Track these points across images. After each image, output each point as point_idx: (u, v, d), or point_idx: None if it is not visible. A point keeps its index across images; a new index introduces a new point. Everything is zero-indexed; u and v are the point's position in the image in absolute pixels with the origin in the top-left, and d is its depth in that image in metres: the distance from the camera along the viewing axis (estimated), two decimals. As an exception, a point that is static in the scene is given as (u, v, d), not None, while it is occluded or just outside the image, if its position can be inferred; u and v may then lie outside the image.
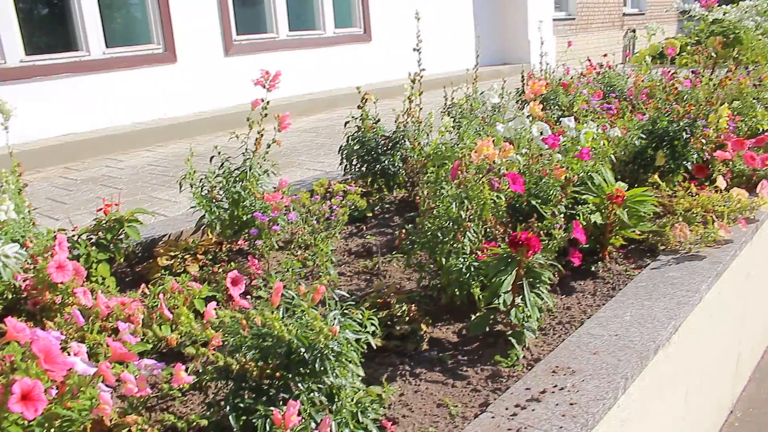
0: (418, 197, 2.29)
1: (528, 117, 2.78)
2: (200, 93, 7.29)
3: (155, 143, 6.30)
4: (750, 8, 8.12)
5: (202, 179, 2.60)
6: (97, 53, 6.42)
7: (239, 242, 2.71)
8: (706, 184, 3.04)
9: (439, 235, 1.87)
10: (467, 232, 1.84)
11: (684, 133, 2.79)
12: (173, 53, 7.04)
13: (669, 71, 4.24)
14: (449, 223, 1.86)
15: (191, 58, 7.19)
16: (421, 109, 3.32)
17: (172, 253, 2.55)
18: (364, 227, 2.95)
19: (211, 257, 2.62)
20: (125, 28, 6.98)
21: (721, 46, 7.94)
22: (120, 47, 6.67)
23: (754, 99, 3.76)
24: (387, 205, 3.18)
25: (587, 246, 2.22)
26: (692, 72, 4.23)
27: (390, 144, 3.13)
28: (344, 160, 3.23)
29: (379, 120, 3.22)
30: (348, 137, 3.23)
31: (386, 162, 3.09)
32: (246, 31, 7.84)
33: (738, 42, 7.57)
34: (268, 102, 2.60)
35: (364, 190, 3.19)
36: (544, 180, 2.27)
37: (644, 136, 2.92)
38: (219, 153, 2.61)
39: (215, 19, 7.41)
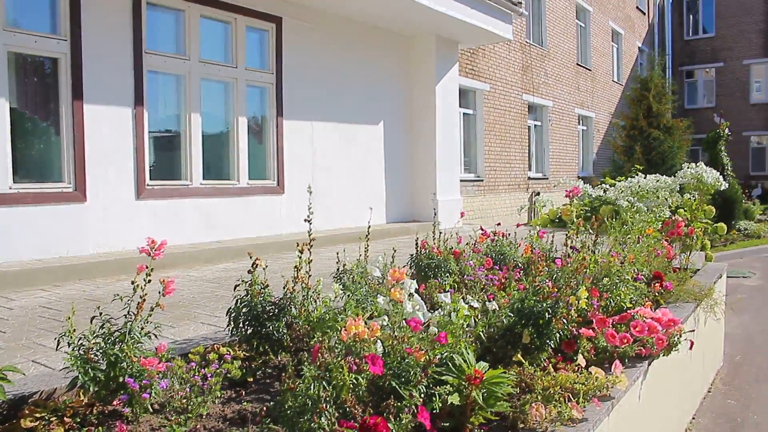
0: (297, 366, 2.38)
1: (409, 296, 2.95)
2: (108, 235, 7.31)
3: (53, 283, 6.19)
4: (625, 189, 8.98)
5: (80, 339, 2.62)
6: (3, 187, 6.43)
7: (114, 402, 2.70)
8: (574, 359, 3.25)
9: (298, 413, 1.96)
10: (323, 414, 1.93)
11: (546, 313, 3.03)
12: (83, 193, 7.09)
13: (540, 253, 4.58)
14: (308, 402, 1.95)
15: (101, 199, 7.26)
16: (309, 274, 3.47)
17: (38, 414, 2.51)
18: (243, 392, 2.98)
19: (79, 420, 2.58)
20: (37, 164, 7.01)
21: (610, 216, 8.65)
22: (29, 183, 6.70)
23: (617, 278, 4.11)
24: (270, 371, 3.24)
25: (448, 425, 2.33)
26: (572, 248, 4.59)
27: (276, 310, 3.24)
28: (231, 323, 3.31)
29: (267, 286, 3.34)
30: (237, 300, 3.32)
31: (271, 328, 3.18)
32: (160, 177, 8.01)
33: (618, 216, 8.23)
34: (151, 269, 2.67)
35: (247, 354, 3.25)
36: (406, 360, 2.42)
37: (512, 314, 3.15)
38: (121, 298, 2.64)
39: (130, 163, 7.57)
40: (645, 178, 9.30)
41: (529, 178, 18.36)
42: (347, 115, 10.45)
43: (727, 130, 17.90)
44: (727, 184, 9.71)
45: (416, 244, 4.94)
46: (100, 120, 7.29)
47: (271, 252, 7.96)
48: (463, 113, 15.20)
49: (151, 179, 7.84)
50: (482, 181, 15.75)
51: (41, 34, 6.87)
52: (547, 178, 19.48)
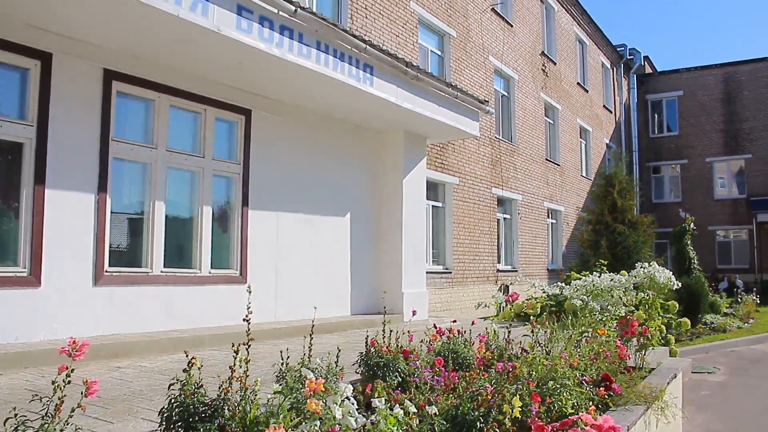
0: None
1: (342, 401, 2.93)
2: (61, 321, 7.16)
3: (-3, 371, 6.02)
4: (580, 287, 9.11)
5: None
6: (-47, 274, 6.35)
7: None
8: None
9: None
10: None
11: (479, 422, 3.01)
12: (38, 278, 6.99)
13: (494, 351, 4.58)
14: None
15: (57, 284, 7.15)
16: (247, 374, 3.42)
17: None
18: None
19: None
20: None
21: (573, 312, 8.70)
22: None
23: (560, 383, 4.10)
24: (200, 473, 3.15)
25: None
26: (522, 349, 4.60)
27: (210, 411, 3.18)
28: (164, 423, 3.24)
29: (201, 386, 3.29)
30: (170, 399, 3.26)
31: (203, 430, 3.11)
32: (120, 263, 7.94)
33: (575, 314, 8.28)
34: (72, 369, 2.64)
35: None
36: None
37: (445, 422, 3.12)
38: (40, 399, 2.58)
39: (89, 249, 7.50)
40: (600, 276, 9.44)
41: (499, 271, 18.48)
42: (314, 206, 10.54)
43: (692, 225, 18.29)
44: (679, 284, 9.87)
45: (366, 342, 4.91)
46: (62, 205, 7.27)
47: (231, 342, 7.82)
48: (432, 206, 15.42)
49: (110, 265, 7.76)
50: (450, 273, 15.81)
51: (8, 118, 6.94)
52: (517, 271, 19.61)
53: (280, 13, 7.75)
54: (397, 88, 9.92)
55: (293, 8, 7.77)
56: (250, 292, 3.44)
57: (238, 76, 8.69)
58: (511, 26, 20.27)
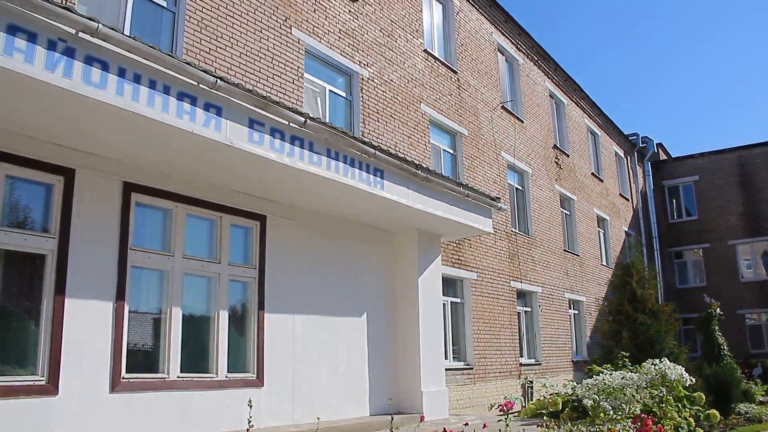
0: None
1: None
2: (79, 429, 7.20)
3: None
4: (592, 386, 8.98)
5: None
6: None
7: None
8: None
9: None
10: None
11: None
12: (56, 386, 7.08)
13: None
14: None
15: (74, 392, 7.23)
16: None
17: None
18: None
19: None
20: (11, 357, 7.06)
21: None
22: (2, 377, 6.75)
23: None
24: None
25: None
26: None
27: None
28: None
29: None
30: None
31: None
32: (136, 369, 8.02)
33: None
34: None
35: None
36: None
37: None
38: None
39: (107, 356, 7.62)
40: (611, 375, 9.29)
41: (521, 365, 18.20)
42: (330, 308, 10.64)
43: (718, 310, 17.98)
44: (693, 380, 9.68)
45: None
46: (81, 313, 7.45)
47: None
48: (451, 302, 15.42)
49: (127, 372, 7.85)
50: (472, 369, 15.63)
51: (32, 232, 7.24)
52: (540, 364, 19.31)
53: (291, 124, 8.12)
54: (407, 189, 10.17)
55: (303, 119, 8.13)
56: (251, 406, 3.51)
57: (252, 183, 8.99)
58: (522, 122, 20.77)
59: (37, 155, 7.20)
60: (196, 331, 8.91)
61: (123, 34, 6.47)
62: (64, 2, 8.01)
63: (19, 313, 7.30)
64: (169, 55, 6.91)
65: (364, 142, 9.21)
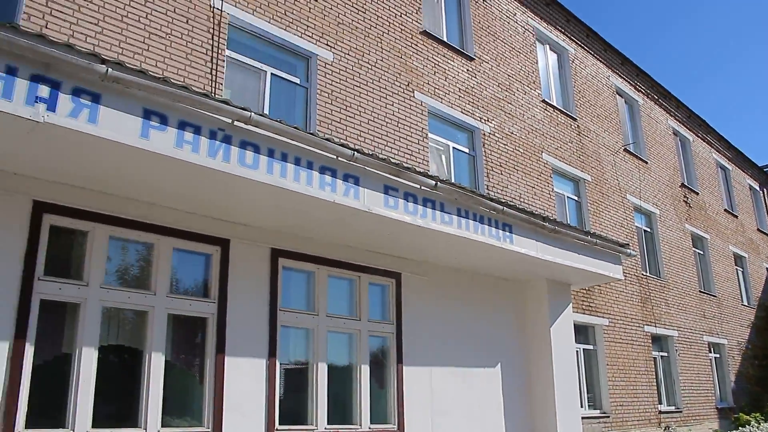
0: None
1: None
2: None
3: None
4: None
5: None
6: (152, 430, 7.26)
7: None
8: None
9: None
10: None
11: None
12: (219, 436, 7.80)
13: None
14: None
15: (235, 442, 7.91)
16: None
17: None
18: None
19: None
20: (182, 409, 7.85)
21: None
22: (175, 427, 7.54)
23: None
24: None
25: None
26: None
27: None
28: None
29: None
30: None
31: None
32: (287, 421, 8.63)
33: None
34: None
35: None
36: None
37: None
38: None
39: (262, 409, 8.29)
40: (759, 426, 8.93)
41: (660, 412, 17.57)
42: (464, 359, 10.93)
43: None
44: None
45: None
46: (238, 370, 8.17)
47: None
48: (583, 349, 15.27)
49: (280, 424, 8.47)
50: (609, 417, 15.31)
51: (195, 298, 8.08)
52: (681, 411, 18.54)
53: (422, 188, 8.63)
54: (536, 242, 10.40)
55: (433, 183, 8.63)
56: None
57: (388, 244, 9.54)
58: (646, 163, 20.43)
59: (197, 229, 8.07)
60: (340, 384, 9.46)
61: (270, 119, 7.22)
62: (212, 93, 9.02)
63: (186, 370, 8.12)
64: (311, 133, 7.62)
65: (491, 200, 9.57)
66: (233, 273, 8.38)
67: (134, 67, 6.39)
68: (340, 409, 9.35)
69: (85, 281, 7.22)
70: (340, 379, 9.49)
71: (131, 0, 8.65)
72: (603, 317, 15.98)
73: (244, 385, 8.19)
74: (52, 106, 5.72)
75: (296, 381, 9.11)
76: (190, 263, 8.26)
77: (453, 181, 12.45)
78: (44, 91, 5.70)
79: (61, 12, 7.96)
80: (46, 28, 7.74)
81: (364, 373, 9.57)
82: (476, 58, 14.48)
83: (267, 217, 8.32)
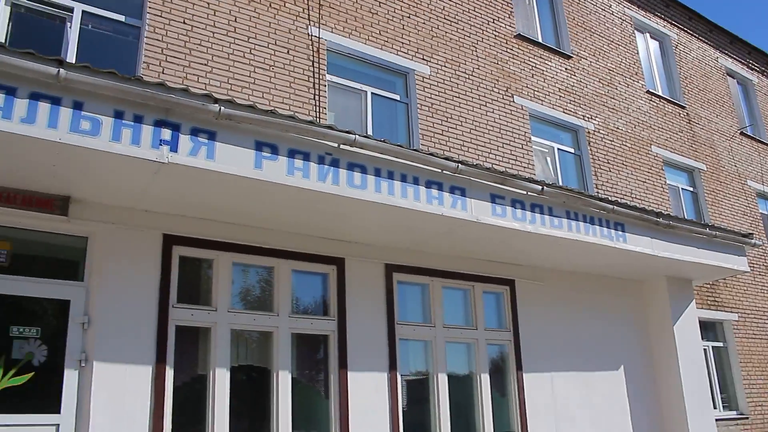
0: None
1: None
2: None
3: None
4: None
5: None
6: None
7: None
8: None
9: None
10: None
11: None
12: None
13: None
14: None
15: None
16: None
17: None
18: None
19: None
20: (309, 424, 8.17)
21: None
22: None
23: None
24: None
25: None
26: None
27: None
28: None
29: None
30: None
31: None
32: (412, 433, 8.83)
33: None
34: None
35: None
36: None
37: None
38: None
39: (386, 422, 8.51)
40: None
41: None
42: (586, 364, 10.76)
43: None
44: None
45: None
46: (361, 385, 8.42)
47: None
48: (712, 347, 14.64)
49: (404, 436, 8.66)
50: (748, 418, 14.55)
51: (315, 317, 8.42)
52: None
53: (529, 194, 8.61)
54: (651, 239, 10.11)
55: (540, 188, 8.59)
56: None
57: (498, 252, 9.56)
58: (767, 145, 19.36)
59: (313, 250, 8.41)
60: (461, 394, 9.53)
61: (375, 139, 7.43)
62: (317, 118, 9.38)
63: (312, 386, 8.45)
64: (415, 149, 7.78)
65: (600, 199, 9.41)
66: (350, 290, 8.66)
67: (244, 103, 6.75)
68: (463, 418, 9.43)
69: (213, 306, 7.69)
70: (461, 389, 9.57)
71: (236, 38, 9.14)
72: (731, 312, 15.24)
73: (368, 399, 8.42)
74: (174, 147, 6.15)
75: (418, 392, 9.27)
76: (308, 283, 8.61)
77: (560, 182, 12.35)
78: (166, 134, 6.15)
79: (174, 57, 8.54)
80: (163, 73, 8.34)
81: (485, 381, 9.61)
82: (574, 56, 14.26)
83: (378, 233, 8.55)
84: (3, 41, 7.63)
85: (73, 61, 7.69)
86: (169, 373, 7.19)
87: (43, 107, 5.63)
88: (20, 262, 6.91)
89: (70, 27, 8.28)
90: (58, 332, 6.87)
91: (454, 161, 7.97)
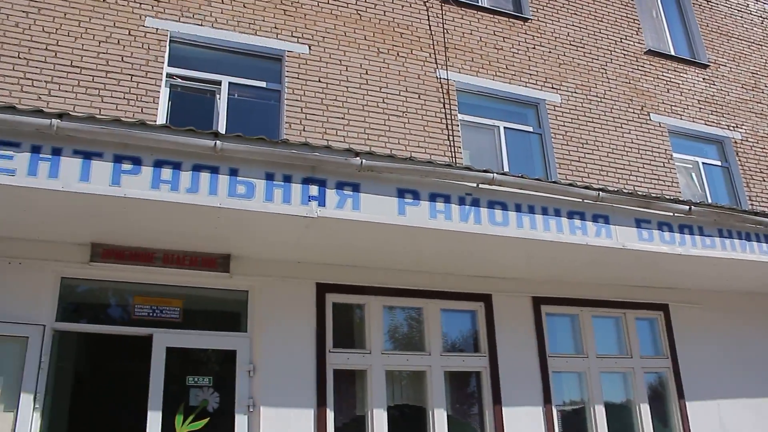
0: None
1: None
2: None
3: None
4: None
5: None
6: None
7: None
8: None
9: None
10: None
11: None
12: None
13: None
14: None
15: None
16: None
17: None
18: None
19: None
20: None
21: None
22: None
23: None
24: None
25: None
26: None
27: None
28: None
29: None
30: None
31: None
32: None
33: None
34: None
35: None
36: None
37: None
38: None
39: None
40: None
41: None
42: (756, 389, 10.04)
43: None
44: None
45: None
46: (516, 418, 8.38)
47: None
48: None
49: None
50: None
51: (467, 354, 8.54)
52: None
53: (676, 215, 8.33)
54: (818, 251, 9.45)
55: (687, 207, 8.29)
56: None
57: (649, 276, 9.26)
58: None
59: (460, 288, 8.56)
60: (620, 424, 9.23)
61: (512, 175, 7.51)
62: (453, 158, 9.59)
63: (467, 422, 8.53)
64: (553, 182, 7.80)
65: (755, 213, 8.93)
66: (499, 325, 8.71)
67: (383, 154, 7.07)
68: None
69: (368, 349, 8.00)
70: (620, 419, 9.27)
71: (368, 90, 9.59)
72: None
73: (524, 433, 8.40)
74: (321, 201, 6.54)
75: (574, 424, 9.08)
76: (457, 321, 8.75)
77: (708, 198, 11.85)
78: (314, 190, 6.55)
79: (313, 115, 9.10)
80: (304, 131, 8.90)
81: (644, 411, 9.25)
82: (711, 64, 13.67)
83: (523, 267, 8.56)
84: (166, 121, 8.46)
85: (224, 129, 8.46)
86: (330, 415, 7.55)
87: (204, 177, 6.19)
88: (190, 317, 7.59)
89: (219, 98, 9.03)
90: (227, 380, 7.43)
91: (595, 189, 7.88)
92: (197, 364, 7.51)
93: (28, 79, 8.11)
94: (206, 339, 7.57)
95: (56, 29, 8.46)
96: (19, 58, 8.16)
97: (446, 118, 10.00)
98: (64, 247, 7.06)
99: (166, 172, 6.05)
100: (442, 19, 10.80)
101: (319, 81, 9.35)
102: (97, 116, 6.29)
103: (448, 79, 10.30)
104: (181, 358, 7.36)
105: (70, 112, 6.19)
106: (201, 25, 9.20)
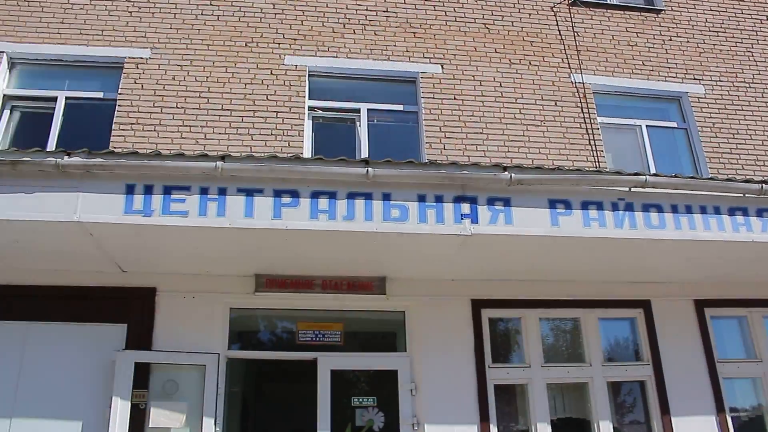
0: None
1: None
2: None
3: None
4: None
5: None
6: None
7: None
8: None
9: None
10: None
11: None
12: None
13: None
14: None
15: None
16: None
17: None
18: None
19: None
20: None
21: None
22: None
23: None
24: None
25: None
26: None
27: None
28: None
29: None
30: None
31: None
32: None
33: None
34: None
35: None
36: None
37: None
38: None
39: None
40: None
41: None
42: None
43: None
44: None
45: None
46: (686, 429, 8.01)
47: None
48: None
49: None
50: None
51: (629, 363, 8.29)
52: None
53: None
54: None
55: None
56: None
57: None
58: None
59: (617, 296, 8.34)
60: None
61: (665, 176, 7.21)
62: (596, 162, 9.38)
63: (633, 433, 8.27)
64: (710, 179, 7.47)
65: None
66: (660, 331, 8.38)
67: (531, 166, 7.05)
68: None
69: (527, 363, 7.96)
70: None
71: (504, 103, 9.60)
72: None
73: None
74: (474, 218, 6.58)
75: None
76: (615, 329, 8.52)
77: None
78: (466, 207, 6.60)
79: (452, 132, 9.21)
80: (444, 149, 9.02)
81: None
82: None
83: (683, 270, 8.20)
84: (311, 152, 8.84)
85: (366, 154, 8.68)
86: (493, 431, 7.51)
87: (359, 204, 6.40)
88: (350, 340, 7.87)
89: (359, 125, 9.31)
90: (390, 399, 7.60)
91: (756, 182, 7.45)
92: (362, 385, 7.75)
93: (186, 125, 8.74)
94: (368, 360, 7.81)
95: (207, 77, 9.07)
96: (177, 107, 8.81)
97: (585, 123, 9.80)
98: (231, 279, 7.53)
99: (323, 202, 6.31)
100: (572, 22, 10.63)
101: (455, 98, 9.45)
102: (255, 154, 6.66)
103: (583, 83, 10.11)
104: (345, 380, 7.62)
105: (231, 153, 6.59)
106: (336, 56, 9.56)
